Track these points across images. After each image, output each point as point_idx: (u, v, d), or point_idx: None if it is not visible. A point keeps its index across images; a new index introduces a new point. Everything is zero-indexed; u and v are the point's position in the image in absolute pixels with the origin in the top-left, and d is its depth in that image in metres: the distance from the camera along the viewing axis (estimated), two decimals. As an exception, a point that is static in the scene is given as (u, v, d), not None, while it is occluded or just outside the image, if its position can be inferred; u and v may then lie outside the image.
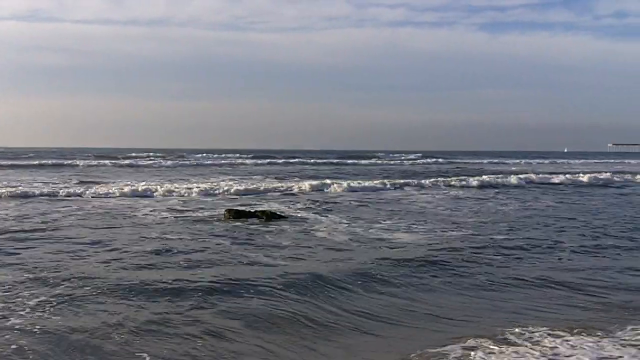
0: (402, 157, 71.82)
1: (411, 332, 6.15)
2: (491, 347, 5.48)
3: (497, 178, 29.40)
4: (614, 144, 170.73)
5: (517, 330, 5.97)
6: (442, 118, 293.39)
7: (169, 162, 51.02)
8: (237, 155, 71.02)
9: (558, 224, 14.28)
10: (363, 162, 60.71)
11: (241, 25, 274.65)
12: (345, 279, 8.15)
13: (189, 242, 11.17)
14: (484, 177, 29.67)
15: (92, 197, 20.07)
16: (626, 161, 73.43)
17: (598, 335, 5.78)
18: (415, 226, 13.70)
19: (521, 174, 32.55)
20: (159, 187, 22.36)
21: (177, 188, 22.06)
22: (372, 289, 7.78)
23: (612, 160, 75.29)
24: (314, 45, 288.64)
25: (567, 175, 32.05)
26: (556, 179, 29.97)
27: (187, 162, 52.52)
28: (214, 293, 7.36)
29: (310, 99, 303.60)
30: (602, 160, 75.33)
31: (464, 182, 27.23)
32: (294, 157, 66.19)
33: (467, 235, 12.38)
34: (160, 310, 6.65)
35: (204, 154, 67.73)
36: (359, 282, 8.06)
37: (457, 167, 50.48)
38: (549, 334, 5.81)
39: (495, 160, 69.17)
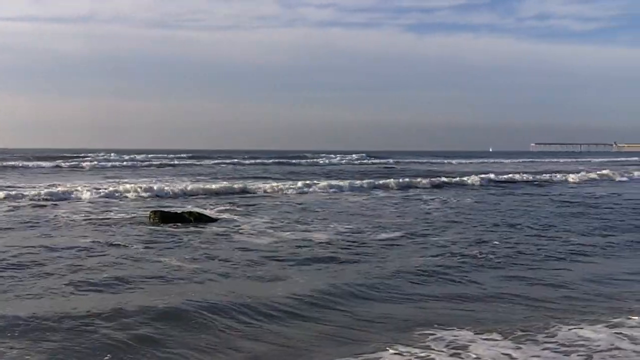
0: (335, 157, 72.16)
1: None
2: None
3: (454, 178, 29.78)
4: (536, 144, 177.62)
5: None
6: (375, 118, 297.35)
7: (97, 163, 49.49)
8: (172, 155, 69.32)
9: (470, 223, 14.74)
10: (302, 162, 60.74)
11: (172, 23, 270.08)
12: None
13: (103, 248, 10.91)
14: (443, 178, 29.75)
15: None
16: (547, 160, 76.70)
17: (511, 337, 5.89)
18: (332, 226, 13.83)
19: (482, 174, 32.74)
20: (81, 188, 21.62)
21: (103, 189, 21.39)
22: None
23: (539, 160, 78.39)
24: (246, 44, 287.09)
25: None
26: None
27: (118, 163, 51.08)
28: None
29: (243, 99, 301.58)
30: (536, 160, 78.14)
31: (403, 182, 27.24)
32: (230, 158, 65.32)
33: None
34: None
35: (133, 155, 65.98)
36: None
37: (390, 167, 51.33)
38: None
39: (435, 160, 70.39)
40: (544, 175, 34.35)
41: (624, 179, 33.79)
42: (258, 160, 60.42)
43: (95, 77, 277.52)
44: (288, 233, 12.77)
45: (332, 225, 13.96)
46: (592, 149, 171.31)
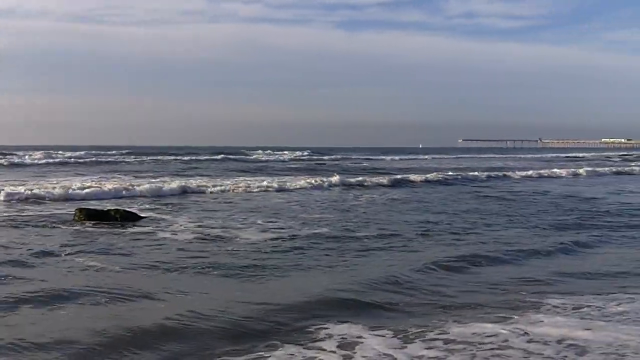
0: (273, 154, 72.25)
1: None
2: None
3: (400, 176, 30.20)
4: (463, 140, 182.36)
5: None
6: (307, 115, 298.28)
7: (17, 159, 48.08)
8: (102, 152, 67.49)
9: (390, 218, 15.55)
10: (232, 157, 60.41)
11: (96, 17, 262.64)
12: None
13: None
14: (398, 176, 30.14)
15: None
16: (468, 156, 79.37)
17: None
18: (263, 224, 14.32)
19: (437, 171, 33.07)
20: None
21: (29, 187, 21.01)
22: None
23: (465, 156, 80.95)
24: (171, 39, 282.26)
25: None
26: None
27: (40, 161, 49.64)
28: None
29: (171, 95, 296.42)
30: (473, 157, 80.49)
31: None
32: (165, 154, 63.67)
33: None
34: None
35: (59, 152, 63.97)
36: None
37: (321, 163, 52.07)
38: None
39: (376, 157, 70.85)
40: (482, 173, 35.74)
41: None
42: (193, 157, 59.75)
43: (22, 72, 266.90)
44: (210, 230, 13.19)
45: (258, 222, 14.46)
46: (518, 145, 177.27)
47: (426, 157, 76.44)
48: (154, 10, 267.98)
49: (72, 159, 50.96)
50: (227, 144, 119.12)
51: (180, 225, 13.86)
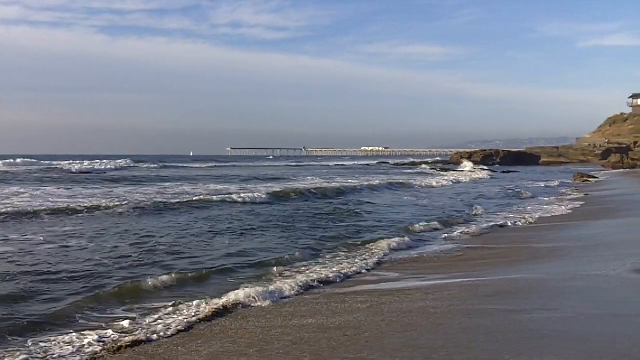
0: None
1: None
2: None
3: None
4: (232, 148, 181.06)
5: None
6: (64, 121, 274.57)
7: None
8: None
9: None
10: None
11: None
12: None
13: None
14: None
15: None
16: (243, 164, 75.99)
17: None
18: None
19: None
20: None
21: None
22: None
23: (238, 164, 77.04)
24: None
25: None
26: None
27: None
28: None
29: None
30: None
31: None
32: None
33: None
34: None
35: None
36: None
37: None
38: None
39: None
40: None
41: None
42: None
43: None
44: None
45: None
46: (284, 153, 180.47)
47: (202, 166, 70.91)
48: None
49: None
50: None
51: None
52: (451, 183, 36.21)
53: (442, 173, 50.73)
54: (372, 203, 21.94)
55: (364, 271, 9.74)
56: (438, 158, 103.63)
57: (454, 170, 54.75)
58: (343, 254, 11.20)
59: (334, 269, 9.64)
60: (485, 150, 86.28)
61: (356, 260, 10.47)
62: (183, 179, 37.85)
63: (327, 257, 10.89)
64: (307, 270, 9.59)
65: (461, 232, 14.13)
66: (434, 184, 34.47)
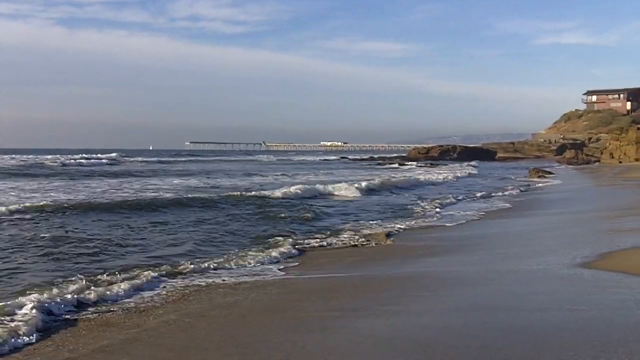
0: None
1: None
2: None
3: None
4: (191, 142, 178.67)
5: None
6: (20, 115, 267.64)
7: None
8: None
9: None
10: None
11: None
12: None
13: None
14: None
15: None
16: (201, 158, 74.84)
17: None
18: None
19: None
20: None
21: None
22: None
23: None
24: None
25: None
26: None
27: None
28: None
29: None
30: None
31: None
32: None
33: None
34: None
35: None
36: None
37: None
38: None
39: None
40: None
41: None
42: None
43: None
44: None
45: None
46: (244, 147, 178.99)
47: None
48: None
49: None
50: None
51: None
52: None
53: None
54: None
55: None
56: (395, 154, 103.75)
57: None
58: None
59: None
60: (442, 146, 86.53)
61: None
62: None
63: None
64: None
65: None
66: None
